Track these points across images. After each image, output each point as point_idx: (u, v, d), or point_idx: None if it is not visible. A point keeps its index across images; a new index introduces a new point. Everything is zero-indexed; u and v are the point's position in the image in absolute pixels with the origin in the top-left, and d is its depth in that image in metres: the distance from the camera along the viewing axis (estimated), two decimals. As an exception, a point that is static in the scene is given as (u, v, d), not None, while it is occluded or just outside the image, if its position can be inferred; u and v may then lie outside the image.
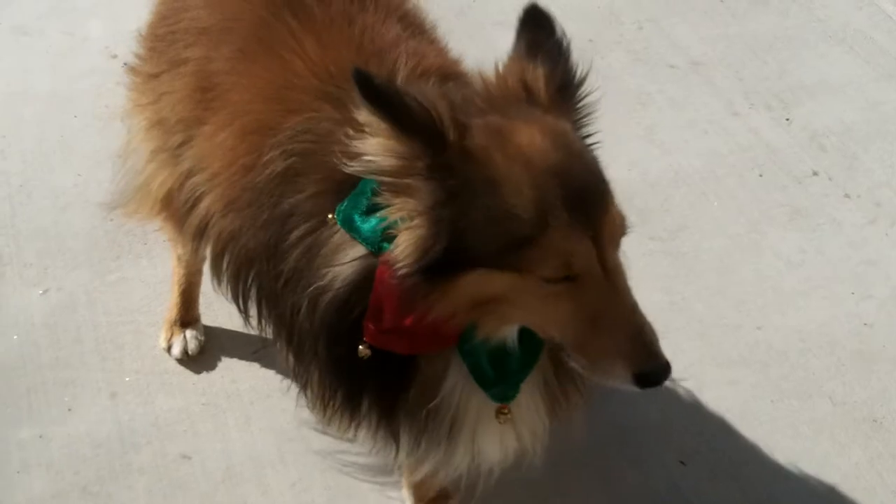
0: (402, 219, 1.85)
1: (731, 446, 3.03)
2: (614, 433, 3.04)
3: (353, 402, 2.16)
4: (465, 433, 2.15)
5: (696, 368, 3.20)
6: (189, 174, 2.49)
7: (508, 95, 1.95)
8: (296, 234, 2.10)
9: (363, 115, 1.82)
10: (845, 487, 2.95)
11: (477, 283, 1.82)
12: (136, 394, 3.13)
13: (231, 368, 3.18)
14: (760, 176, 3.79)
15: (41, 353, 3.21)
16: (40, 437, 3.03)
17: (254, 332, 2.48)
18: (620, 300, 1.87)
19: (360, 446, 2.51)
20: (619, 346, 1.86)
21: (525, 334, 2.01)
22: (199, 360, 3.20)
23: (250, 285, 2.33)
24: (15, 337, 3.25)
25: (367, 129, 1.84)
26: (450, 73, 2.26)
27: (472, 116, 1.88)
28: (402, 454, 2.24)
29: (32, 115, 3.95)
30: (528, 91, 1.96)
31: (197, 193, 2.46)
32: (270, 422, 3.03)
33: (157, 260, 3.40)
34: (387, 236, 1.90)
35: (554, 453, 2.91)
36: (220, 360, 3.21)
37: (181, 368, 3.19)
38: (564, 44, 2.04)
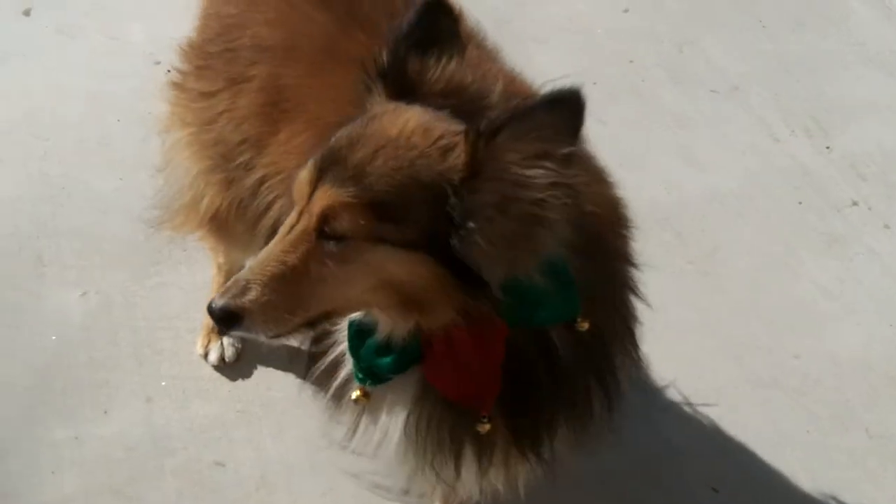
0: None
1: (763, 473, 3.03)
2: (644, 458, 3.05)
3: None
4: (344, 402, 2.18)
5: (728, 391, 3.20)
6: (262, 181, 2.52)
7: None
8: None
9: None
10: (878, 514, 2.95)
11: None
12: (172, 398, 3.15)
13: (266, 377, 3.19)
14: (800, 203, 3.78)
15: (78, 355, 3.24)
16: (75, 437, 3.05)
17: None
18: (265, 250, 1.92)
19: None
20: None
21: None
22: (235, 367, 3.22)
23: None
24: (53, 337, 3.28)
25: None
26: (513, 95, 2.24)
27: None
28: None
29: (74, 117, 3.98)
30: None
31: (270, 197, 2.49)
32: (303, 431, 3.04)
33: (197, 266, 3.42)
34: None
35: (581, 478, 2.94)
36: (255, 368, 3.22)
37: (217, 375, 3.21)
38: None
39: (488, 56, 2.56)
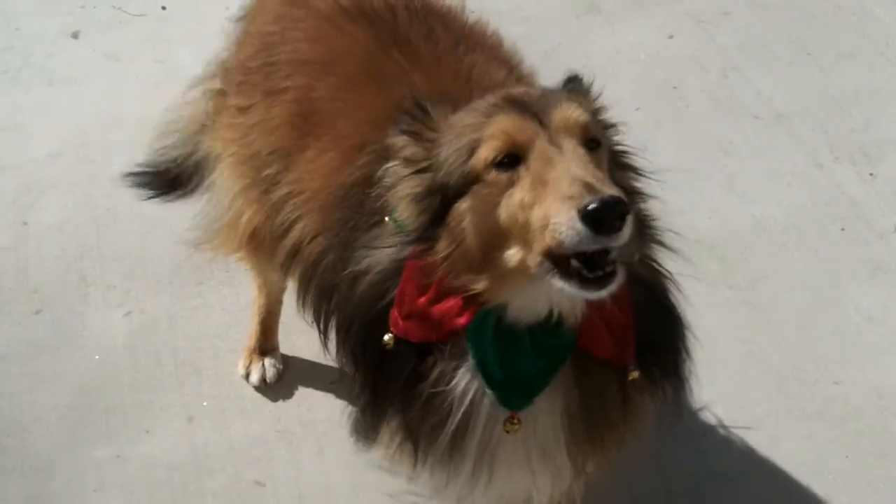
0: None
1: (806, 500, 3.00)
2: (684, 482, 3.02)
3: (378, 407, 2.16)
4: (473, 443, 2.10)
5: (771, 420, 3.17)
6: (287, 198, 2.54)
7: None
8: (360, 242, 2.15)
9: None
10: (920, 548, 2.91)
11: (461, 211, 1.92)
12: (213, 418, 3.17)
13: (307, 398, 3.20)
14: (843, 230, 3.75)
15: (121, 375, 3.27)
16: (117, 456, 3.07)
17: (331, 359, 2.46)
18: (566, 163, 1.85)
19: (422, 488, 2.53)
20: (562, 194, 1.80)
21: (539, 336, 2.00)
22: (276, 388, 3.24)
23: (332, 309, 2.35)
24: (96, 357, 3.31)
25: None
26: None
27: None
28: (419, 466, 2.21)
29: (122, 141, 4.02)
30: None
31: (293, 216, 2.51)
32: (343, 453, 3.03)
33: (239, 288, 3.44)
34: None
35: (620, 495, 2.93)
36: (296, 389, 3.23)
37: (258, 395, 3.22)
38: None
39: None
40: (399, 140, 2.04)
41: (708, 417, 3.15)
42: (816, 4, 4.76)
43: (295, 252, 2.51)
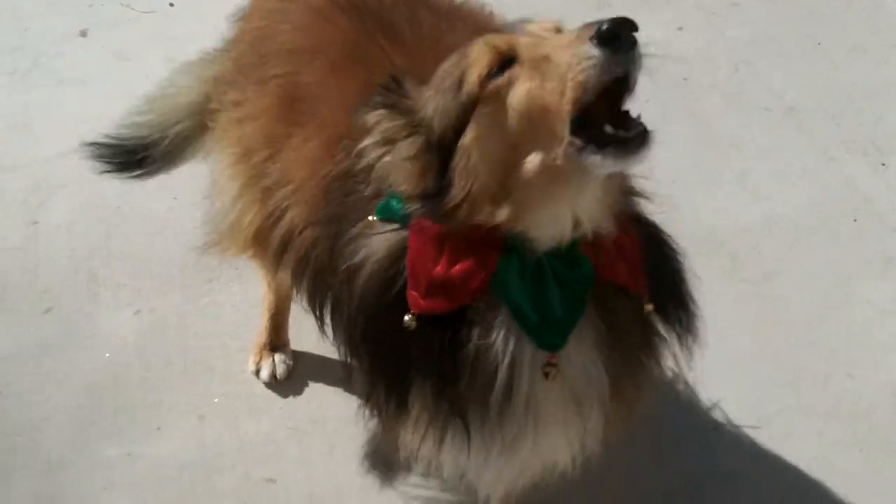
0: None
1: (815, 498, 2.99)
2: (693, 477, 3.02)
3: (398, 396, 2.12)
4: (521, 399, 2.05)
5: (782, 417, 3.16)
6: (276, 187, 2.54)
7: None
8: (348, 235, 2.15)
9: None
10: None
11: (468, 142, 1.88)
12: (223, 416, 3.16)
13: (318, 394, 3.20)
14: (855, 221, 3.73)
15: (131, 373, 3.27)
16: (127, 455, 3.07)
17: (333, 348, 2.46)
18: (558, 37, 1.89)
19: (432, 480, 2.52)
20: (569, 44, 1.79)
21: (561, 272, 1.98)
22: (286, 385, 3.23)
23: (327, 296, 2.37)
24: (107, 355, 3.31)
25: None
26: None
27: None
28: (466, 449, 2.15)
29: (131, 139, 4.02)
30: None
31: (282, 206, 2.51)
32: (354, 450, 3.04)
33: (248, 285, 3.43)
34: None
35: (628, 493, 2.92)
36: (307, 385, 3.23)
37: (268, 392, 3.22)
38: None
39: None
40: (373, 115, 2.00)
41: (717, 414, 3.14)
42: (827, -3, 4.75)
43: (286, 242, 2.52)
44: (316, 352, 3.26)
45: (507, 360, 2.01)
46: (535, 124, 1.83)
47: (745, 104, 4.26)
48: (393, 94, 2.00)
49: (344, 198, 2.22)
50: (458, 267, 1.96)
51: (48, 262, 3.59)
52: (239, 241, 2.86)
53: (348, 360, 2.29)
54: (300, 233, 2.44)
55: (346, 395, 3.12)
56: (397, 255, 2.04)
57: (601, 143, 1.78)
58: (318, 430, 3.12)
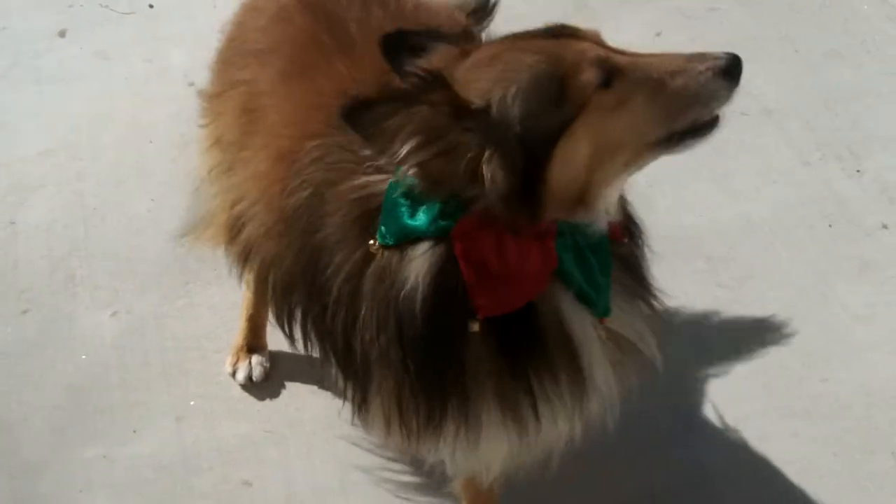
0: (465, 175, 1.90)
1: (791, 499, 3.00)
2: (674, 478, 3.03)
3: (439, 404, 2.13)
4: (595, 367, 2.13)
5: (758, 419, 3.17)
6: (234, 202, 2.55)
7: (442, 68, 1.99)
8: (332, 269, 2.13)
9: (371, 148, 1.94)
10: (907, 544, 2.92)
11: (568, 153, 1.88)
12: (201, 418, 3.16)
13: (295, 396, 3.20)
14: (830, 226, 3.76)
15: (109, 375, 3.26)
16: (104, 457, 3.07)
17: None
18: (652, 56, 1.98)
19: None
20: (697, 73, 1.95)
21: (593, 245, 2.04)
22: (263, 386, 3.23)
23: (294, 309, 2.39)
24: (84, 357, 3.31)
25: (380, 154, 1.92)
26: None
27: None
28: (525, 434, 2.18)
29: (111, 140, 4.03)
30: (448, 58, 2.02)
31: (241, 221, 2.52)
32: (333, 452, 3.04)
33: (226, 287, 3.40)
34: (447, 216, 1.96)
35: (609, 496, 2.94)
36: (284, 387, 3.23)
37: (246, 395, 3.22)
38: (430, 28, 2.15)
39: None
40: (408, 115, 1.86)
41: (693, 416, 3.16)
42: (804, 1, 4.76)
43: (246, 255, 2.54)
44: (294, 353, 3.26)
45: (577, 336, 2.09)
46: (649, 137, 1.95)
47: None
48: (434, 88, 1.89)
49: (308, 229, 2.20)
50: (527, 262, 1.97)
51: (26, 263, 3.59)
52: (212, 228, 2.87)
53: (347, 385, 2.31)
54: (262, 245, 2.44)
55: (324, 397, 3.14)
56: (444, 268, 2.00)
57: (694, 132, 2.00)
58: (296, 432, 3.12)
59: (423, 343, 2.05)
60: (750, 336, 3.41)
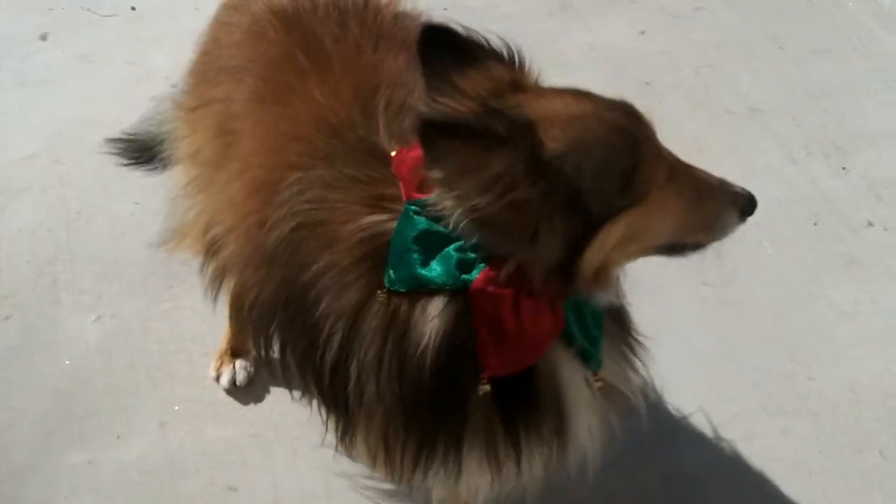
0: (521, 232, 1.84)
1: (780, 497, 3.00)
2: (660, 481, 3.02)
3: (429, 447, 2.13)
4: (578, 419, 2.15)
5: (746, 417, 3.17)
6: (208, 225, 2.54)
7: (485, 97, 1.92)
8: (324, 307, 2.09)
9: (435, 173, 1.80)
10: (896, 542, 2.92)
11: (607, 237, 1.87)
12: (187, 422, 3.15)
13: (279, 401, 3.18)
14: (815, 224, 3.75)
15: (94, 379, 3.24)
16: (89, 462, 3.05)
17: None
18: (695, 170, 2.03)
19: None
20: (723, 203, 2.04)
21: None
22: (247, 390, 3.21)
23: (272, 338, 2.36)
24: (68, 362, 3.29)
25: (437, 182, 1.82)
26: None
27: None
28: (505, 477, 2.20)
29: (94, 143, 3.97)
30: (496, 83, 1.95)
31: (216, 245, 2.50)
32: (317, 456, 3.01)
33: (212, 290, 3.42)
34: (465, 269, 1.91)
35: (598, 502, 2.92)
36: (268, 392, 3.21)
37: (230, 399, 3.20)
38: (477, 36, 2.04)
39: None
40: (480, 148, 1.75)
41: (681, 417, 3.15)
42: (790, -1, 4.78)
43: (220, 279, 2.52)
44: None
45: (568, 396, 2.10)
46: (667, 239, 2.01)
47: (708, 106, 4.28)
48: (521, 135, 1.77)
49: (292, 264, 2.16)
50: (539, 325, 1.95)
51: (10, 268, 3.57)
52: (189, 240, 2.85)
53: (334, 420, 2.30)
54: (238, 272, 2.42)
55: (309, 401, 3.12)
56: (458, 326, 1.97)
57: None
58: (281, 437, 3.11)
59: (428, 396, 2.03)
60: (737, 335, 3.40)
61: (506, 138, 1.73)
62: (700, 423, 3.14)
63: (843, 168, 3.98)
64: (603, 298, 2.02)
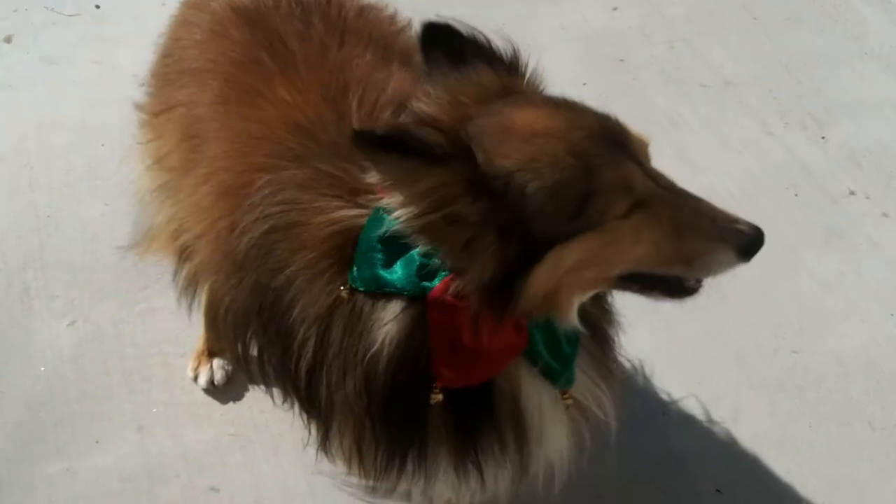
0: (457, 247, 1.80)
1: (768, 473, 2.97)
2: (647, 463, 2.99)
3: (399, 454, 2.11)
4: (542, 435, 2.12)
5: (732, 395, 3.15)
6: (178, 232, 2.49)
7: (466, 103, 1.89)
8: (297, 312, 2.05)
9: (373, 177, 1.79)
10: (887, 514, 2.89)
11: (556, 261, 1.79)
12: (164, 426, 3.10)
13: (259, 399, 3.13)
14: (796, 195, 3.72)
15: (69, 386, 3.19)
16: (67, 470, 3.00)
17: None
18: (686, 200, 1.89)
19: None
20: (710, 238, 1.88)
21: None
22: (226, 390, 3.17)
23: (249, 344, 2.31)
24: (42, 369, 3.23)
25: (382, 186, 1.80)
26: (408, 100, 2.11)
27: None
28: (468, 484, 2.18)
29: (61, 145, 3.95)
30: (483, 89, 1.91)
31: (187, 252, 2.45)
32: (299, 454, 2.97)
33: (185, 290, 3.38)
34: (427, 275, 1.87)
35: (585, 486, 2.89)
36: (247, 390, 3.17)
37: (209, 399, 3.16)
38: (479, 36, 2.00)
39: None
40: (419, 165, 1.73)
41: (665, 396, 3.11)
42: (761, -32, 4.73)
43: (194, 285, 2.47)
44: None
45: (529, 414, 2.07)
46: (631, 270, 1.89)
47: (682, 81, 4.24)
48: (408, 144, 1.73)
49: (264, 269, 2.11)
50: (498, 341, 1.91)
51: (-21, 277, 3.51)
52: (160, 241, 2.79)
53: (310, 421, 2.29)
54: (210, 277, 2.37)
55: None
56: (414, 332, 1.94)
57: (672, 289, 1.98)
58: (262, 435, 3.06)
59: (385, 402, 2.01)
60: (720, 311, 3.36)
61: (441, 157, 1.71)
62: (686, 403, 3.11)
63: (823, 138, 3.94)
64: (561, 322, 1.94)
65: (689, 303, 3.27)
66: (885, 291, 3.43)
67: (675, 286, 1.95)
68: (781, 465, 2.98)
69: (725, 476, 2.97)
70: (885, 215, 3.67)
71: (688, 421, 3.09)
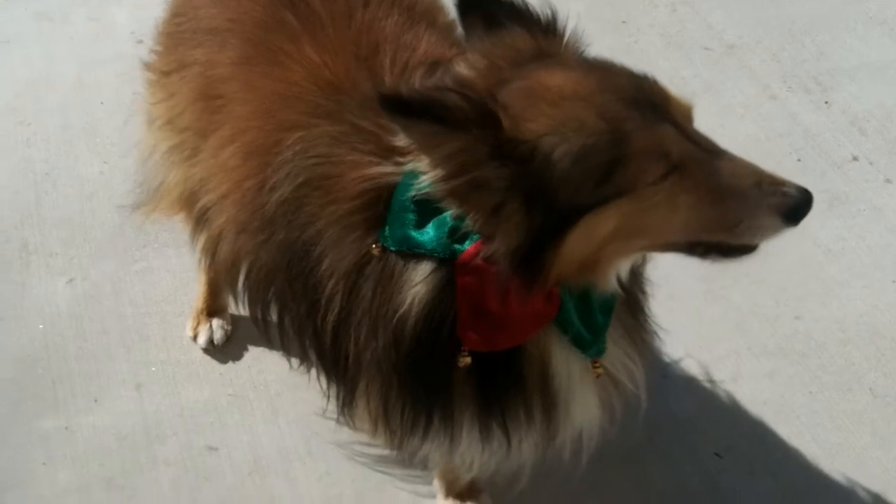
0: (484, 212, 1.77)
1: (768, 439, 2.96)
2: (648, 427, 2.97)
3: (425, 413, 2.09)
4: (570, 404, 2.10)
5: (732, 359, 3.14)
6: (198, 192, 2.44)
7: (502, 67, 1.86)
8: (326, 265, 2.03)
9: (402, 139, 1.78)
10: (885, 480, 2.88)
11: (590, 229, 1.75)
12: (162, 384, 3.09)
13: (258, 359, 3.13)
14: (799, 160, 3.70)
15: (67, 344, 3.18)
16: (65, 428, 3.00)
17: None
18: (728, 162, 1.83)
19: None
20: (755, 202, 1.82)
21: None
22: (225, 350, 3.16)
23: (270, 303, 2.29)
24: (40, 327, 3.22)
25: (410, 149, 1.79)
26: (439, 61, 2.11)
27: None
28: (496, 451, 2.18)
29: (58, 103, 3.92)
30: (519, 53, 1.88)
31: (208, 214, 2.41)
32: (298, 414, 2.98)
33: (184, 249, 3.32)
34: (458, 238, 1.86)
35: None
36: (246, 350, 3.16)
37: (208, 359, 3.15)
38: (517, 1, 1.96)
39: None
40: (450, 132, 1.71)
41: (668, 361, 3.10)
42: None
43: (214, 247, 2.43)
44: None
45: (559, 382, 2.05)
46: (677, 237, 1.85)
47: (684, 44, 4.21)
48: (435, 107, 1.70)
49: (294, 225, 2.09)
50: (525, 310, 1.88)
51: (-24, 233, 3.50)
52: (166, 203, 2.77)
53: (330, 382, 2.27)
54: (234, 238, 2.33)
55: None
56: (442, 294, 1.92)
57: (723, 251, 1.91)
58: (261, 395, 3.06)
59: (412, 362, 2.00)
60: (721, 276, 3.35)
61: (463, 122, 1.68)
62: (687, 367, 3.11)
63: (826, 102, 3.91)
64: (601, 290, 1.93)
65: (690, 264, 3.29)
66: (888, 258, 3.41)
67: (727, 247, 1.90)
68: (782, 430, 2.97)
69: (725, 440, 2.95)
70: (888, 181, 3.65)
71: (688, 385, 3.08)
